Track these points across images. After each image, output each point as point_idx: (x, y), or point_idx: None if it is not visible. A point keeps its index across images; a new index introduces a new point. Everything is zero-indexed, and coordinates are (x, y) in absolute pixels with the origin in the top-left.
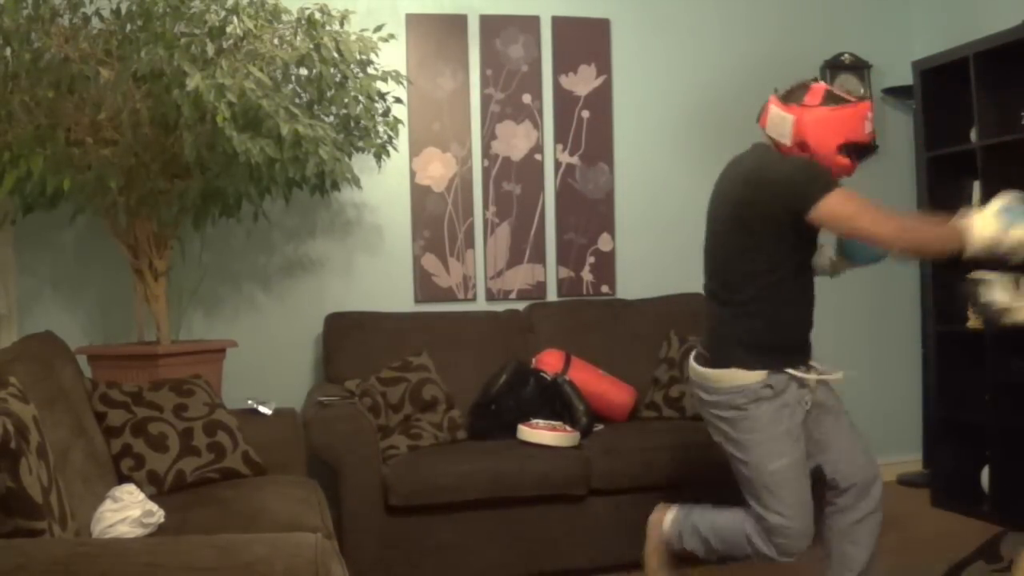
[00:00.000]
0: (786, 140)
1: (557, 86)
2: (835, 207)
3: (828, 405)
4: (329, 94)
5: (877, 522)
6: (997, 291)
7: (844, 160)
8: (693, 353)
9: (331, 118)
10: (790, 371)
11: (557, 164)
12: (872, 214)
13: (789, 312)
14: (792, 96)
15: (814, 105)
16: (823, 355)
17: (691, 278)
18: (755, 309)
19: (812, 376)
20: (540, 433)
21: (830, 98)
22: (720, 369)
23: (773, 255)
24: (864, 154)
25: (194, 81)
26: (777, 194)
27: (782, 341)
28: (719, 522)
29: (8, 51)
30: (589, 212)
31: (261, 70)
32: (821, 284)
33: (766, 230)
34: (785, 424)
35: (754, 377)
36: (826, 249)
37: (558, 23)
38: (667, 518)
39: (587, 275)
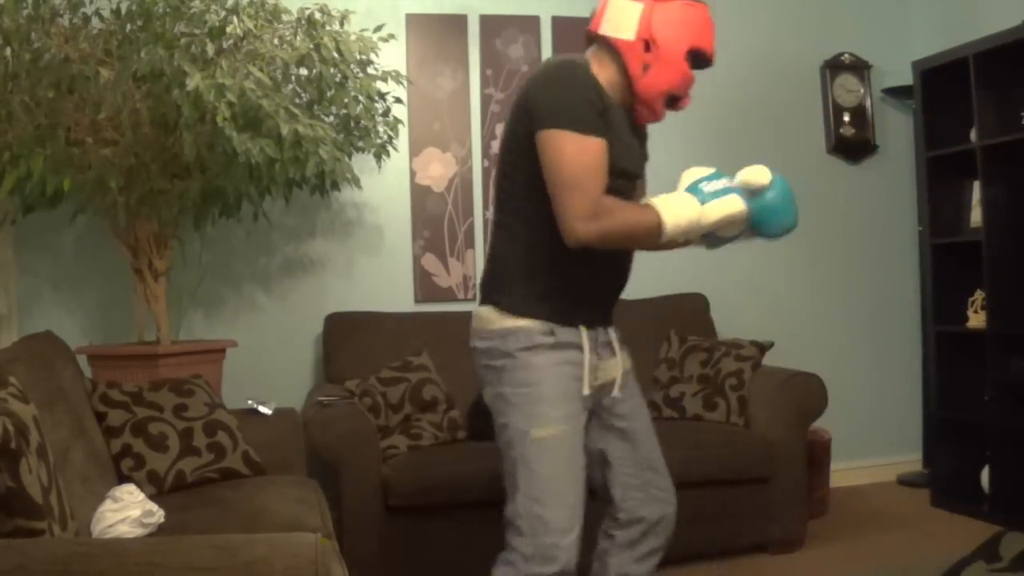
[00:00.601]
0: (628, 34)
1: None
2: (551, 148)
3: (629, 412)
4: (329, 94)
5: (657, 559)
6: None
7: (688, 71)
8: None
9: (331, 118)
10: (581, 327)
11: None
12: (579, 183)
13: (570, 258)
14: None
15: (670, 2)
16: (824, 355)
17: (691, 278)
18: (535, 239)
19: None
20: None
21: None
22: (489, 306)
23: (530, 182)
24: (702, 66)
25: (194, 81)
26: (527, 106)
27: (558, 286)
28: None
29: (8, 51)
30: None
31: (261, 70)
32: (822, 285)
33: (520, 149)
34: (565, 386)
35: (524, 322)
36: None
37: (558, 23)
38: None
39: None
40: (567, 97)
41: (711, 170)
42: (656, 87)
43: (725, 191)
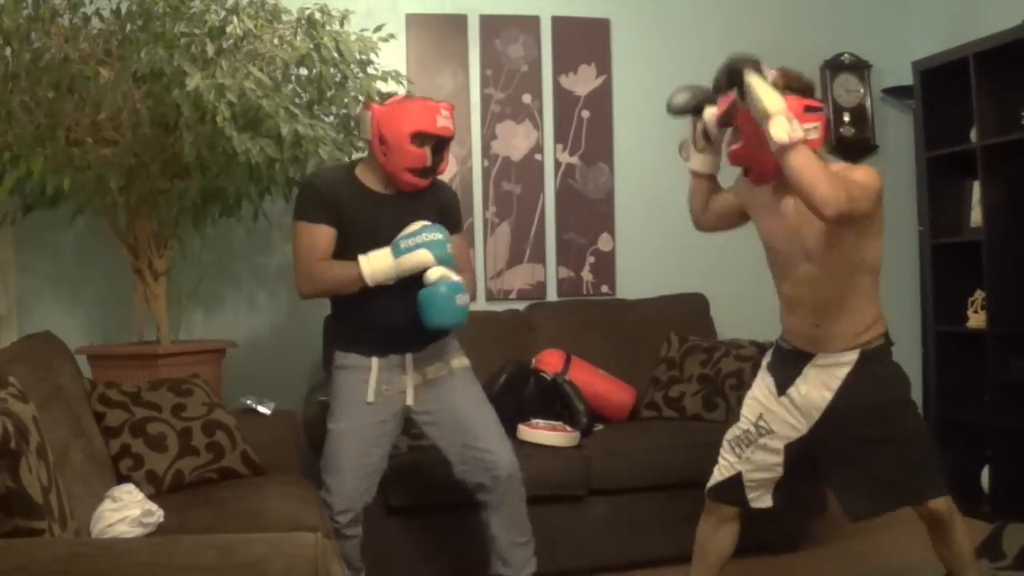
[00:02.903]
0: (367, 135)
1: (557, 86)
2: (294, 232)
3: (436, 407)
4: (329, 94)
5: (512, 507)
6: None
7: (416, 149)
8: None
9: (331, 118)
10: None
11: (557, 164)
12: (301, 257)
13: (356, 303)
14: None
15: (390, 103)
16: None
17: (691, 278)
18: (333, 301)
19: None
20: (540, 433)
21: (406, 98)
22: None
23: None
24: (440, 147)
25: (194, 81)
26: None
27: (354, 328)
28: None
29: (8, 51)
30: (589, 212)
31: (261, 70)
32: None
33: None
34: (354, 394)
35: (338, 354)
36: None
37: (558, 23)
38: None
39: (587, 275)
40: (301, 198)
41: (419, 225)
42: (395, 167)
43: (417, 247)
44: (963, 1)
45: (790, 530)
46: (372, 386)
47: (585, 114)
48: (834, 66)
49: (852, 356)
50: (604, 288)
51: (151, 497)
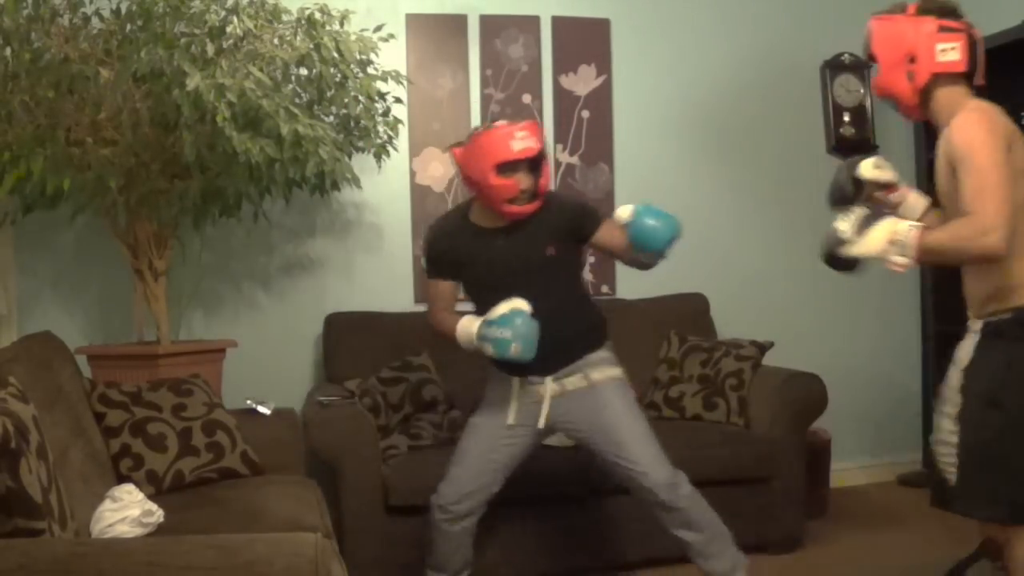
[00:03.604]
0: (460, 177)
1: (557, 86)
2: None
3: (580, 421)
4: (329, 94)
5: (679, 514)
6: (848, 222)
7: (502, 180)
8: None
9: (331, 118)
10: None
11: (557, 164)
12: (429, 302)
13: None
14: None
15: (468, 143)
16: (824, 355)
17: (691, 278)
18: None
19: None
20: None
21: (485, 130)
22: None
23: None
24: (534, 166)
25: (194, 81)
26: None
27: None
28: None
29: (8, 51)
30: None
31: (261, 70)
32: (822, 285)
33: None
34: (494, 406)
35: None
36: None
37: (558, 23)
38: None
39: (587, 275)
40: (425, 255)
41: (508, 308)
42: (495, 203)
43: (491, 339)
44: (963, 1)
45: (790, 530)
46: (513, 408)
47: (585, 114)
48: (834, 66)
49: (977, 326)
50: (604, 288)
51: (151, 497)
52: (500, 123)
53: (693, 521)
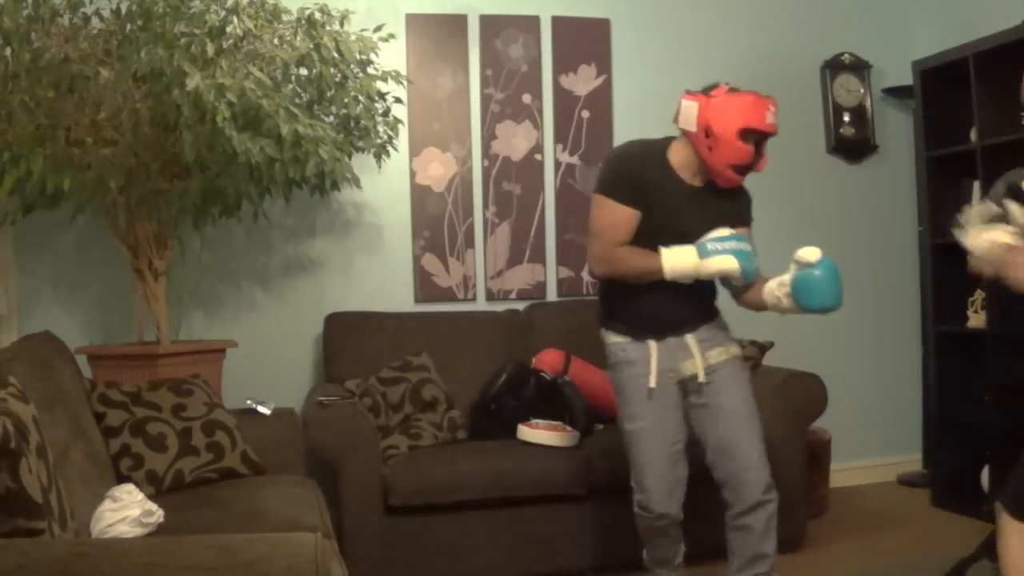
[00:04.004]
0: (692, 127)
1: (557, 86)
2: (593, 206)
3: (719, 399)
4: (329, 94)
5: (755, 522)
6: (978, 211)
7: (744, 146)
8: None
9: (331, 118)
10: (649, 341)
11: (557, 164)
12: (601, 234)
13: (633, 287)
14: (702, 93)
15: (718, 96)
16: (824, 355)
17: None
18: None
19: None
20: (540, 433)
21: (732, 91)
22: (601, 328)
23: None
24: (760, 144)
25: (194, 81)
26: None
27: (631, 311)
28: None
29: (8, 51)
30: (589, 212)
31: (261, 70)
32: None
33: None
34: (641, 388)
35: (613, 339)
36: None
37: (558, 23)
38: None
39: (587, 275)
40: (611, 172)
41: (728, 232)
42: (719, 163)
43: (725, 252)
44: (963, 1)
45: (790, 530)
46: (654, 370)
47: (585, 114)
48: (834, 66)
49: None
50: None
51: (151, 497)
52: (750, 92)
53: (773, 533)
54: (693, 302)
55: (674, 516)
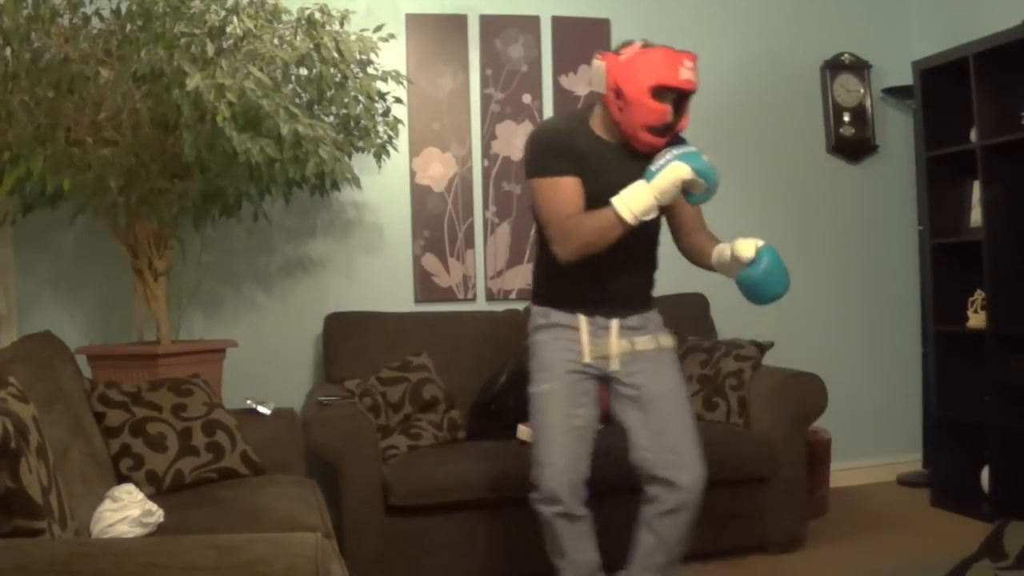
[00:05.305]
0: (601, 88)
1: (557, 86)
2: (534, 194)
3: (647, 389)
4: (329, 94)
5: (682, 521)
6: None
7: (657, 105)
8: None
9: (331, 118)
10: (579, 314)
11: None
12: (553, 217)
13: (568, 270)
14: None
15: (626, 53)
16: (824, 355)
17: (691, 278)
18: (539, 257)
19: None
20: None
21: (646, 47)
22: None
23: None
24: (680, 101)
25: (194, 81)
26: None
27: (563, 289)
28: None
29: (8, 51)
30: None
31: (261, 70)
32: (822, 285)
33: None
34: (560, 351)
35: (542, 308)
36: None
37: (558, 23)
38: None
39: None
40: (536, 152)
41: (666, 152)
42: (632, 124)
43: (667, 162)
44: (963, 1)
45: (790, 530)
46: (586, 345)
47: None
48: (834, 66)
49: None
50: None
51: (151, 497)
52: (663, 47)
53: (676, 538)
54: (628, 288)
55: (567, 504)
